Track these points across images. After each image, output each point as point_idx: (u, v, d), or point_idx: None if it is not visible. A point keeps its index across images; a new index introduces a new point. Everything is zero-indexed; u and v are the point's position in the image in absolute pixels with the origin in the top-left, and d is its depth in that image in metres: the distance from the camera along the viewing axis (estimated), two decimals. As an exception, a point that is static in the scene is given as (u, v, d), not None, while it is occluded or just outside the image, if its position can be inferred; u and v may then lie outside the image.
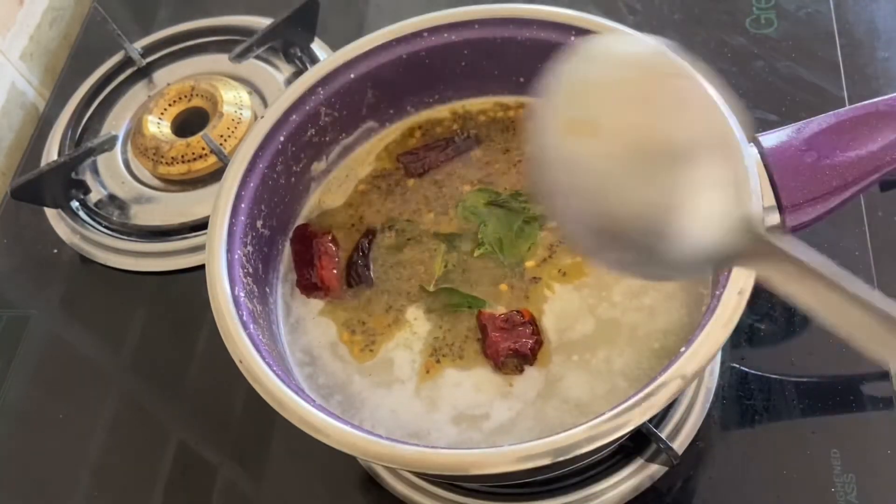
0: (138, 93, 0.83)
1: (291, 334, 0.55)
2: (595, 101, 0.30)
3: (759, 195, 0.46)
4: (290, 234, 0.58)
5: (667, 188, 0.31)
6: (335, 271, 0.56)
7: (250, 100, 0.78)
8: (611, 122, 0.29)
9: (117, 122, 0.82)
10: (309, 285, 0.56)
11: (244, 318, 0.48)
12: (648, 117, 0.30)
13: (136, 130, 0.78)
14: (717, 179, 0.31)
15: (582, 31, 0.54)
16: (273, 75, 0.81)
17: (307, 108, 0.56)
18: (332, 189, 0.60)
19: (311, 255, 0.56)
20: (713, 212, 0.31)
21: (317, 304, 0.56)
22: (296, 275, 0.57)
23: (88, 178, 0.77)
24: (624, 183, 0.31)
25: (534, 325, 0.52)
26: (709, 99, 0.30)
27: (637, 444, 0.55)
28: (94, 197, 0.77)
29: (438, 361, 0.52)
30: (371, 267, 0.56)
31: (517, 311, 0.52)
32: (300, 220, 0.59)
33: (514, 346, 0.51)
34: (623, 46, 0.32)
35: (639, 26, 0.54)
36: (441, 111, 0.62)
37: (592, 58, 0.31)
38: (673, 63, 0.30)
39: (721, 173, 0.31)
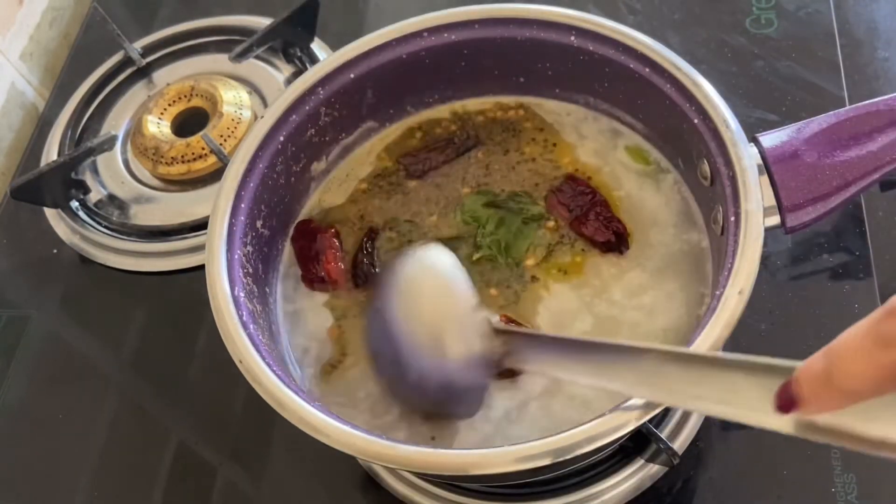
0: (138, 93, 0.83)
1: (292, 329, 0.55)
2: (403, 290, 0.46)
3: (759, 195, 0.46)
4: (292, 231, 0.58)
5: (440, 333, 0.45)
6: (341, 265, 0.56)
7: (250, 100, 0.78)
8: (409, 302, 0.46)
9: (117, 122, 0.82)
10: (315, 279, 0.56)
11: (244, 318, 0.48)
12: (427, 299, 0.46)
13: (135, 130, 0.78)
14: (462, 321, 0.46)
15: (582, 31, 0.54)
16: (273, 75, 0.81)
17: (307, 108, 0.56)
18: (333, 189, 0.60)
19: (315, 250, 0.56)
20: (464, 338, 0.45)
21: (321, 297, 0.56)
22: (300, 270, 0.57)
23: (88, 178, 0.77)
24: (416, 331, 0.45)
25: (518, 325, 0.52)
26: (461, 284, 0.47)
27: (637, 444, 0.55)
28: (93, 197, 0.77)
29: None
30: (377, 265, 0.56)
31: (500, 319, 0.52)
32: (301, 217, 0.59)
33: None
34: (432, 260, 0.48)
35: (639, 26, 0.53)
36: (441, 111, 0.62)
37: (412, 264, 0.47)
38: (447, 268, 0.47)
39: (465, 317, 0.46)
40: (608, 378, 0.40)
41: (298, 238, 0.58)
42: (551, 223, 0.56)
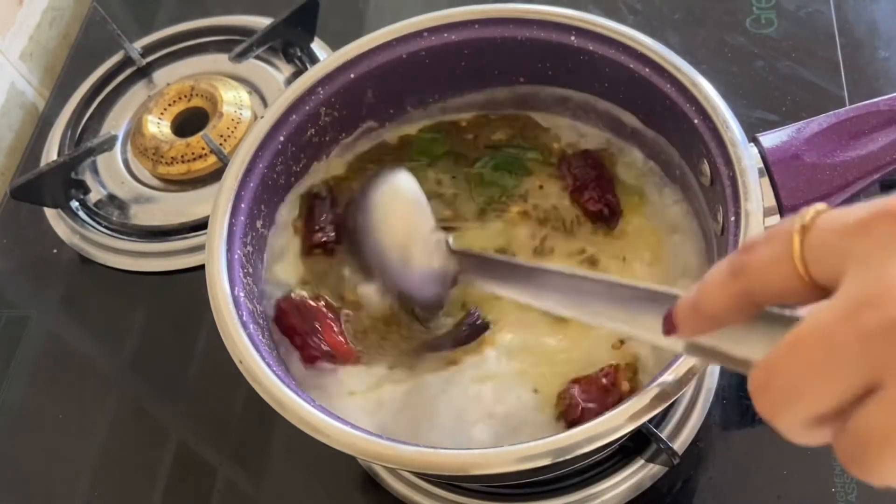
0: (138, 93, 0.83)
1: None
2: (375, 209, 0.52)
3: (760, 195, 0.46)
4: (273, 313, 0.54)
5: (406, 248, 0.52)
6: (342, 338, 0.53)
7: (250, 100, 0.78)
8: (382, 218, 0.52)
9: (117, 122, 0.81)
10: (322, 354, 0.52)
11: (244, 318, 0.48)
12: (396, 218, 0.52)
13: (135, 130, 0.78)
14: (424, 239, 0.52)
15: (582, 31, 0.54)
16: (273, 75, 0.81)
17: (307, 108, 0.56)
18: (287, 263, 0.57)
19: (309, 322, 0.53)
20: (425, 253, 0.52)
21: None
22: (296, 350, 0.53)
23: (88, 178, 0.77)
24: (386, 244, 0.52)
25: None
26: (423, 208, 0.53)
27: (637, 444, 0.55)
28: (93, 197, 0.76)
29: None
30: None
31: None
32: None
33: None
34: (399, 183, 0.53)
35: (639, 26, 0.53)
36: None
37: (382, 186, 0.53)
38: (413, 193, 0.53)
39: (426, 236, 0.52)
40: (540, 298, 0.45)
41: (286, 317, 0.53)
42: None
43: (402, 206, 0.53)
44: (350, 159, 0.60)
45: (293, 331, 0.53)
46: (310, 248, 0.56)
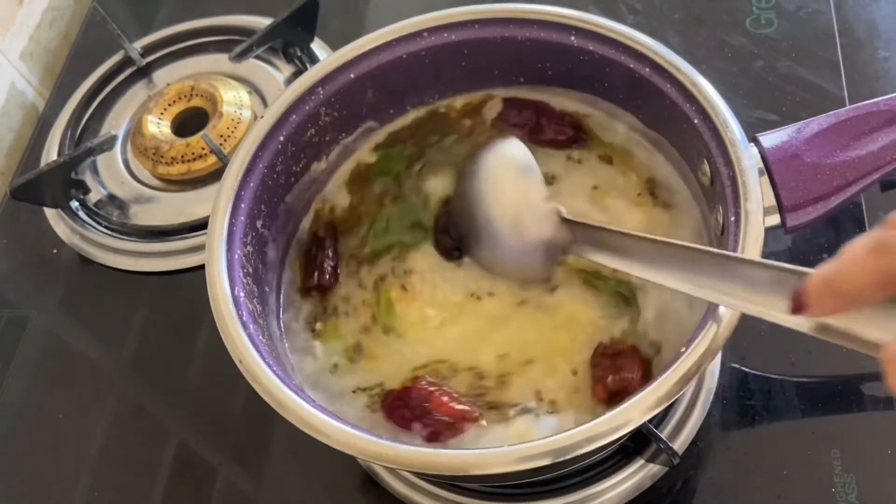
0: (138, 93, 0.83)
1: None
2: (486, 177, 0.54)
3: (760, 195, 0.46)
4: (382, 409, 0.51)
5: (517, 218, 0.52)
6: (454, 403, 0.50)
7: (250, 100, 0.78)
8: (492, 186, 0.53)
9: (117, 122, 0.82)
10: (444, 428, 0.50)
11: (244, 318, 0.48)
12: (507, 187, 0.53)
13: (135, 130, 0.78)
14: (536, 208, 0.52)
15: (582, 31, 0.54)
16: (273, 75, 0.81)
17: (307, 108, 0.56)
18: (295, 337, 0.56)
19: (417, 410, 0.50)
20: (537, 222, 0.51)
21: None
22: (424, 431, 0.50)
23: (88, 178, 0.77)
24: (496, 213, 0.53)
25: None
26: (535, 176, 0.53)
27: (637, 444, 0.55)
28: (93, 197, 0.77)
29: None
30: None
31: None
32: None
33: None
34: (510, 150, 0.54)
35: (639, 26, 0.53)
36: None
37: (493, 154, 0.54)
38: (525, 160, 0.53)
39: (538, 205, 0.52)
40: (654, 272, 0.44)
41: (391, 414, 0.51)
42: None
43: (513, 174, 0.53)
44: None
45: (408, 421, 0.50)
46: (307, 290, 0.56)
